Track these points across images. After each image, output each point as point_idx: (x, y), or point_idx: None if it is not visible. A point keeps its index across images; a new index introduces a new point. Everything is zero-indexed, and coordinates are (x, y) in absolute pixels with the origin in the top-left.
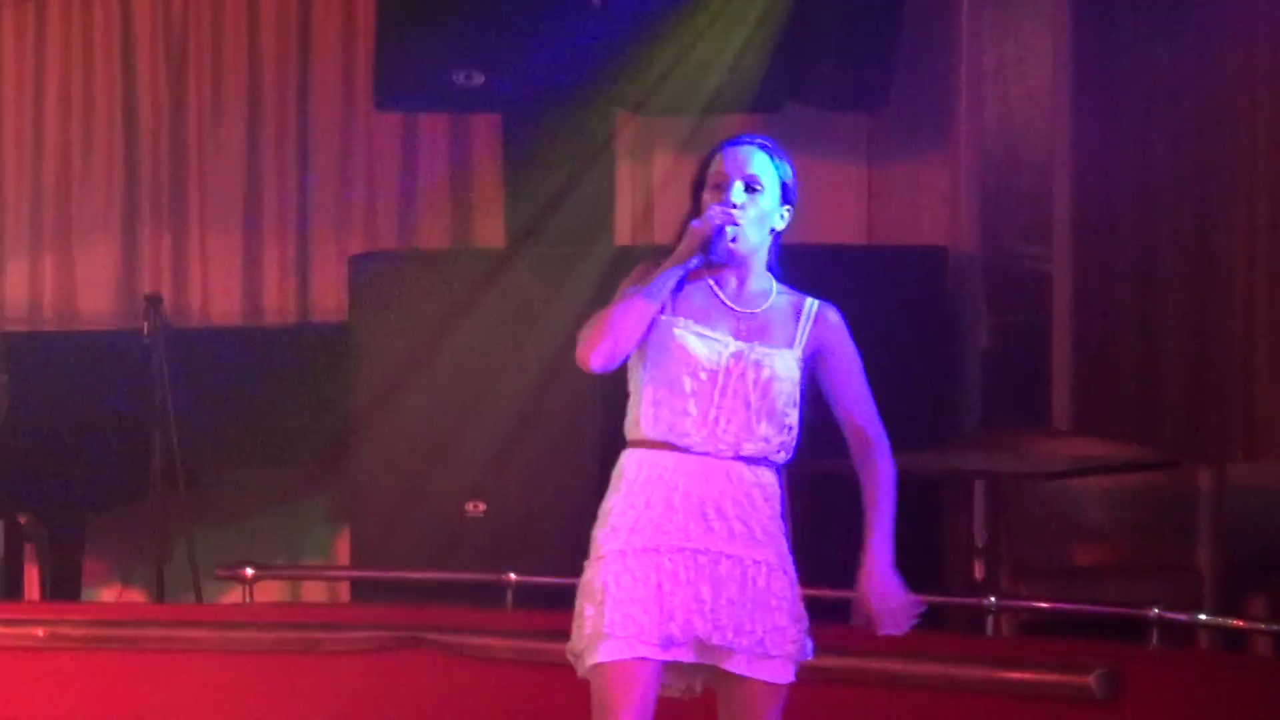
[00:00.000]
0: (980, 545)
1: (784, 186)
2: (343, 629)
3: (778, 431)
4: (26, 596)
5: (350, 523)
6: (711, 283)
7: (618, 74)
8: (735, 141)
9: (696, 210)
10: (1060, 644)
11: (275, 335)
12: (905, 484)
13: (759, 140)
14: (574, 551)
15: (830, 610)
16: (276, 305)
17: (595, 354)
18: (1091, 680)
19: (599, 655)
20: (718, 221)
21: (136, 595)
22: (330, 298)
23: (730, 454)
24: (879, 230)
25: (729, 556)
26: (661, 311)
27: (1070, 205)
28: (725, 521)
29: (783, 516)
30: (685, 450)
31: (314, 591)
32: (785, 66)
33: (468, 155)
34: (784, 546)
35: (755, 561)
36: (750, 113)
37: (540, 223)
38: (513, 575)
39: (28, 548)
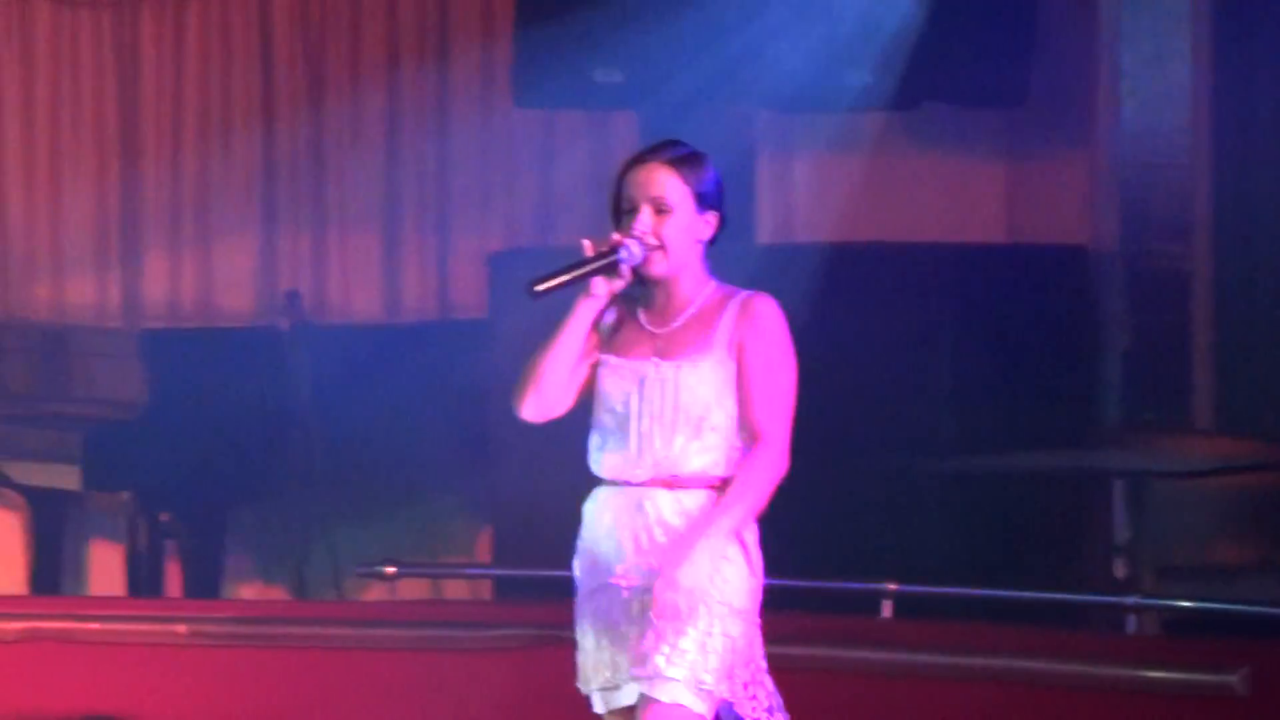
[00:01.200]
0: (1121, 544)
1: (700, 195)
2: (484, 627)
3: (705, 447)
4: (167, 593)
5: (491, 520)
6: (640, 310)
7: (756, 71)
8: (638, 160)
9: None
10: (1202, 643)
11: (414, 332)
12: (1046, 482)
13: (665, 154)
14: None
15: (979, 609)
16: (416, 302)
17: (523, 405)
18: (1234, 679)
19: (593, 706)
20: (604, 248)
21: (277, 592)
22: (469, 295)
23: (654, 481)
24: (1018, 229)
25: (646, 590)
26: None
27: (1210, 204)
28: (640, 555)
29: (742, 544)
30: (613, 483)
31: (455, 589)
32: (923, 64)
33: (606, 152)
34: (715, 576)
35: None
36: (889, 110)
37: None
38: None
39: (169, 545)
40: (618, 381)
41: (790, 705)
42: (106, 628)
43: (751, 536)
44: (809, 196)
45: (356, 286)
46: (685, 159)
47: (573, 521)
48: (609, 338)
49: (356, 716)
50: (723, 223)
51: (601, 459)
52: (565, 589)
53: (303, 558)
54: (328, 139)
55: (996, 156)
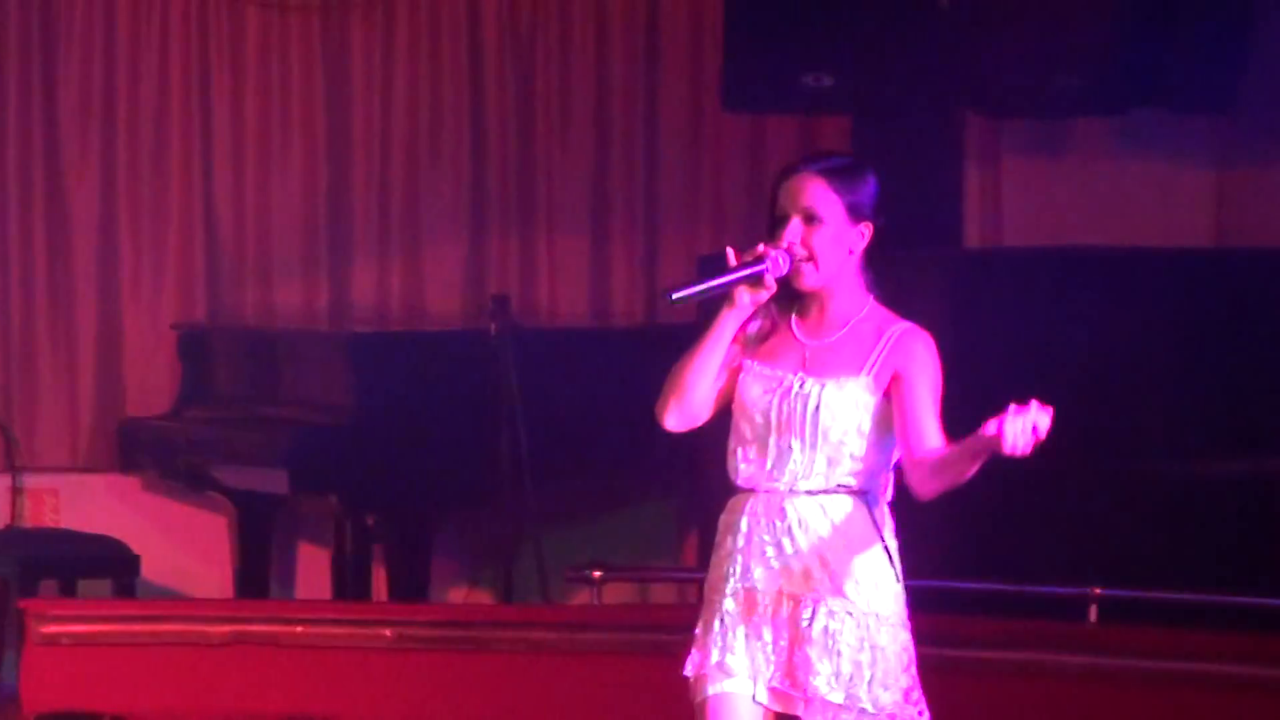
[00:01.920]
0: None
1: (852, 206)
2: (690, 631)
3: (838, 465)
4: (374, 597)
5: (697, 524)
6: (795, 317)
7: (966, 75)
8: (791, 169)
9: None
10: None
11: (623, 336)
12: (1254, 488)
13: (818, 164)
14: (949, 554)
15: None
16: (624, 306)
17: (666, 414)
18: None
19: (701, 692)
20: (749, 258)
21: (484, 596)
22: None
23: (791, 490)
24: (1227, 233)
25: (788, 596)
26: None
27: None
28: (783, 558)
29: (886, 550)
30: (752, 491)
31: (662, 593)
32: (1132, 68)
33: None
34: (861, 585)
35: (813, 601)
36: (1097, 115)
37: (888, 226)
38: None
39: (376, 549)
40: (760, 390)
41: (995, 708)
42: (312, 631)
43: (894, 543)
44: (1017, 201)
45: (564, 290)
46: (839, 169)
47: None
48: (756, 343)
49: None
50: (879, 234)
51: (740, 469)
52: None
53: (509, 561)
54: (536, 142)
55: (1206, 161)
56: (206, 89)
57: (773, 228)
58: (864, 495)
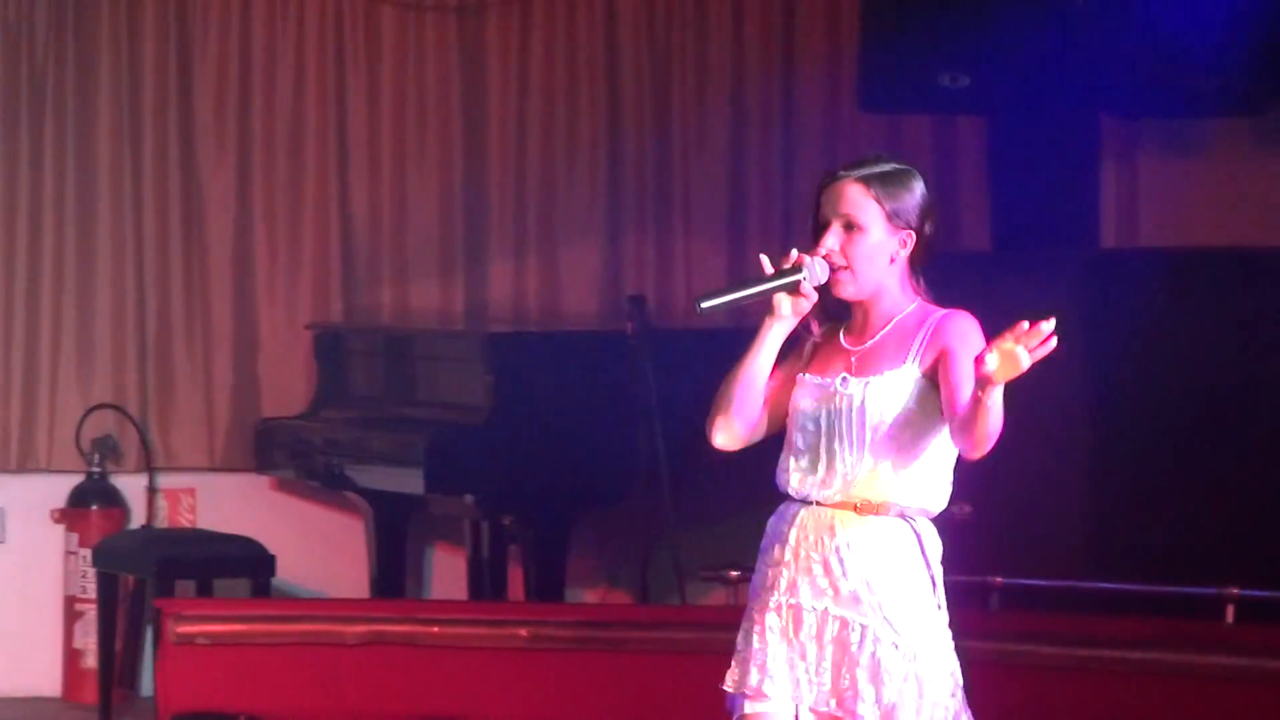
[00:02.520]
0: None
1: (893, 213)
2: None
3: (896, 470)
4: (510, 597)
5: None
6: (844, 329)
7: (1102, 76)
8: (832, 177)
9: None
10: None
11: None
12: None
13: (859, 170)
14: (1061, 555)
15: None
16: (760, 306)
17: (715, 431)
18: None
19: (738, 710)
20: (786, 266)
21: (620, 596)
22: None
23: (844, 502)
24: None
25: (835, 617)
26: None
27: None
28: (830, 577)
29: (931, 579)
30: (803, 503)
31: None
32: (1271, 68)
33: (952, 157)
34: (907, 614)
35: (861, 626)
36: (1235, 115)
37: (1025, 226)
38: (999, 579)
39: (511, 549)
40: (810, 399)
41: (1132, 708)
42: (448, 631)
43: (940, 570)
44: (1153, 202)
45: (701, 290)
46: (881, 175)
47: (939, 529)
48: (809, 357)
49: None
50: (925, 241)
51: (791, 478)
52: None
53: (646, 561)
54: (673, 142)
55: None
56: (342, 89)
57: (815, 234)
58: (913, 520)
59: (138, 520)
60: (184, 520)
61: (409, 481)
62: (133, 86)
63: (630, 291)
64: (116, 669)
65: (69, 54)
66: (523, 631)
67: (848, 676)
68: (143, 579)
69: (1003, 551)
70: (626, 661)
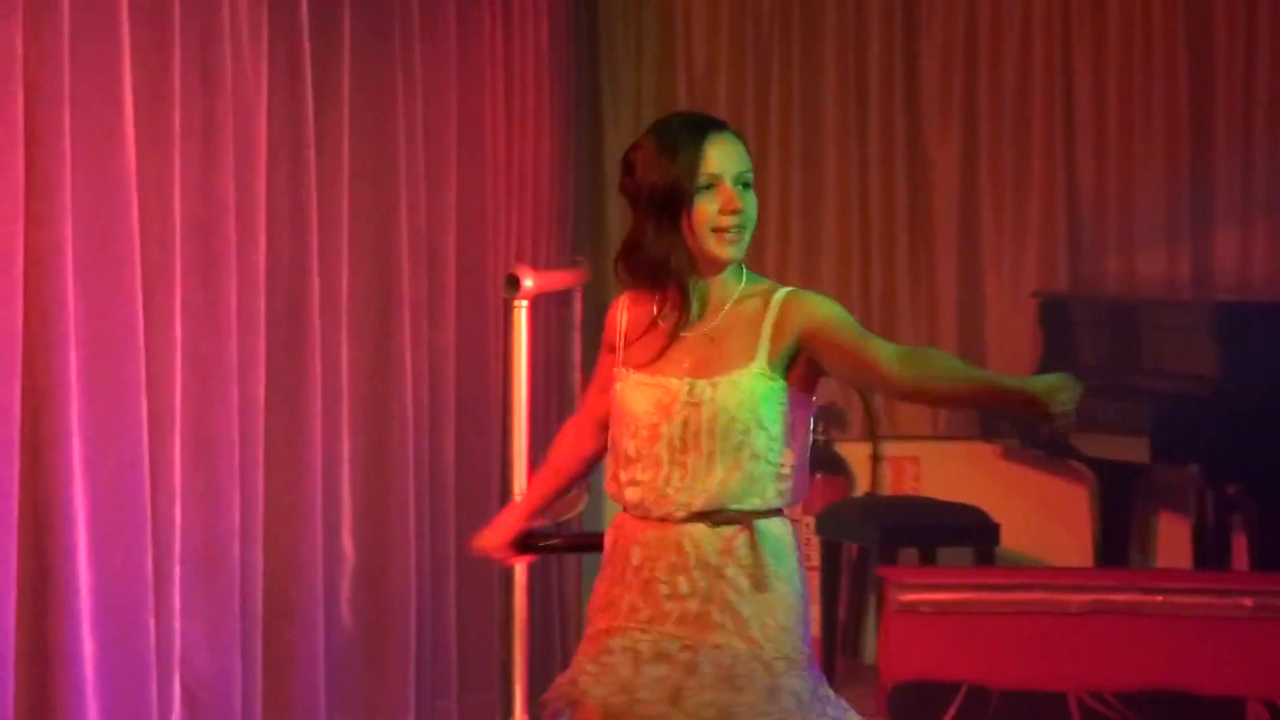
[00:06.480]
0: None
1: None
2: None
3: (747, 476)
4: (1234, 566)
5: None
6: (656, 310)
7: None
8: (717, 128)
9: (673, 231)
10: None
11: None
12: None
13: (726, 125)
14: None
15: None
16: None
17: None
18: None
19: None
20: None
21: None
22: None
23: (688, 516)
24: None
25: (676, 638)
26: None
27: None
28: (677, 600)
29: (801, 582)
30: (642, 517)
31: None
32: None
33: None
34: (768, 632)
35: (714, 646)
36: None
37: None
38: None
39: (1236, 517)
40: (644, 401)
41: None
42: (1171, 600)
43: (799, 574)
44: None
45: None
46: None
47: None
48: (628, 346)
49: None
50: None
51: (627, 493)
52: None
53: None
54: None
55: None
56: (1069, 67)
57: (673, 206)
58: (769, 523)
59: (860, 488)
60: (909, 488)
61: (1134, 450)
62: (858, 54)
63: None
64: (839, 636)
65: (794, 19)
66: (1247, 601)
67: (693, 681)
68: (866, 547)
69: None
70: None
